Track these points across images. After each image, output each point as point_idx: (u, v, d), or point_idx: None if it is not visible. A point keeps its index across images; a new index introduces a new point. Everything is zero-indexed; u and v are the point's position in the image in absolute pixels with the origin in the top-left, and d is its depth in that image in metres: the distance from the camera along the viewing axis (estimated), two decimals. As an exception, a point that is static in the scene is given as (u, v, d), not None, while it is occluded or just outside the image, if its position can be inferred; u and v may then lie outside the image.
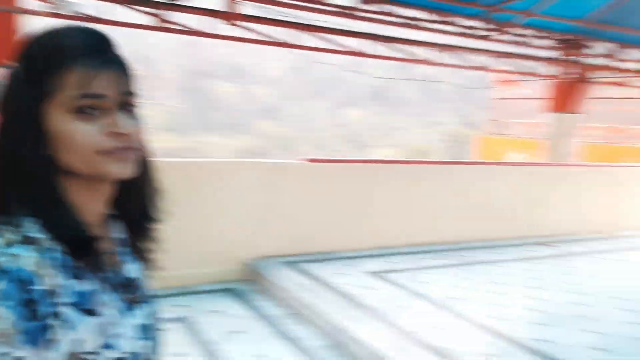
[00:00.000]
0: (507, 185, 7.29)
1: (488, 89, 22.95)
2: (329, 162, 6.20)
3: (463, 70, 9.52)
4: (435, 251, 6.34)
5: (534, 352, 3.65)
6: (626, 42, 9.52)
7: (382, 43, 7.94)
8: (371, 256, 5.91)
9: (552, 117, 9.99)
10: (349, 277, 5.09)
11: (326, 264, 5.53)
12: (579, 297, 4.88)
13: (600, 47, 9.65)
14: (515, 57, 9.19)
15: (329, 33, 7.35)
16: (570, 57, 9.51)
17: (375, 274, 5.26)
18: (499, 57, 9.05)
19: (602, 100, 19.99)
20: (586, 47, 9.55)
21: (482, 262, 5.99)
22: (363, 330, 3.85)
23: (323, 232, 5.96)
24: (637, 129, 20.86)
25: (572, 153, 9.89)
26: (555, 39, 9.24)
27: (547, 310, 4.49)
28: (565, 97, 9.76)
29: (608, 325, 4.19)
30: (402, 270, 5.45)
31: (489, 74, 17.37)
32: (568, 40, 9.22)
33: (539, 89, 12.95)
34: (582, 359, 3.56)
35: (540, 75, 9.82)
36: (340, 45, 7.75)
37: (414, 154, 30.25)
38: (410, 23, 7.96)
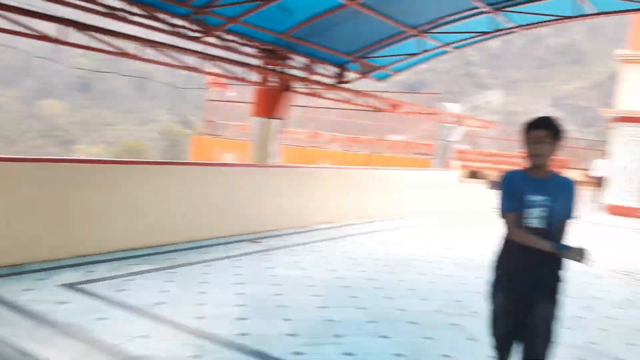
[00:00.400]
0: (219, 186, 7.47)
1: (203, 90, 23.40)
2: (12, 160, 5.34)
3: (176, 69, 9.42)
4: (143, 256, 6.08)
5: (236, 346, 3.77)
6: (318, 58, 10.80)
7: (84, 31, 7.24)
8: (68, 266, 5.32)
9: (257, 121, 10.71)
10: (38, 293, 4.46)
11: (10, 279, 4.76)
12: (278, 288, 5.28)
13: (299, 60, 10.72)
14: (224, 61, 9.51)
15: (12, 12, 6.32)
16: (272, 67, 10.30)
17: (72, 286, 4.74)
18: (208, 59, 9.22)
19: (303, 108, 22.44)
20: (287, 58, 10.49)
21: (192, 263, 5.98)
22: (50, 351, 3.40)
23: (5, 243, 5.11)
24: (330, 135, 24.04)
25: (276, 155, 10.76)
26: (259, 48, 9.89)
27: (250, 304, 4.71)
28: (269, 103, 10.56)
29: (301, 311, 4.62)
30: (103, 279, 5.04)
31: (205, 75, 17.69)
32: (270, 50, 9.97)
33: (248, 94, 13.72)
34: (278, 346, 3.82)
35: (247, 81, 10.39)
36: (31, 29, 6.77)
37: (126, 152, 28.84)
38: (117, 14, 7.47)
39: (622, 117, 14.94)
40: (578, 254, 2.63)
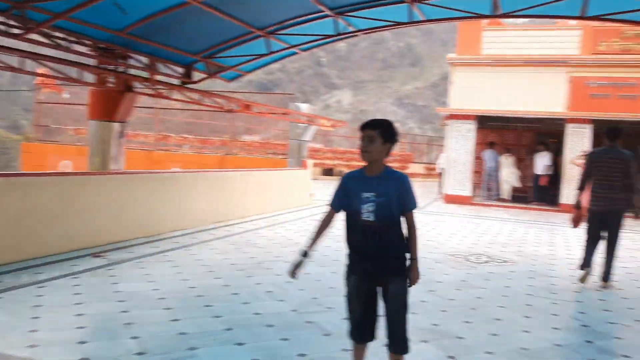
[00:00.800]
0: (54, 197, 6.75)
1: (33, 91, 21.21)
2: None
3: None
4: (-40, 282, 5.28)
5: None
6: (162, 57, 10.30)
7: None
8: None
9: (95, 124, 9.91)
10: None
11: None
12: (124, 304, 4.90)
13: (140, 59, 10.12)
14: (53, 61, 8.62)
15: None
16: (109, 66, 9.60)
17: None
18: (34, 58, 8.30)
19: (150, 109, 21.39)
20: (127, 57, 9.84)
21: (23, 286, 5.33)
22: None
23: None
24: (180, 137, 23.21)
25: (118, 160, 10.05)
26: (94, 47, 9.14)
27: (92, 325, 4.31)
28: (108, 105, 9.81)
29: (150, 327, 4.33)
30: None
31: (36, 76, 15.99)
32: (106, 49, 9.27)
33: (85, 95, 12.70)
34: (123, 369, 3.53)
35: (81, 82, 9.55)
36: None
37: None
38: None
39: (453, 114, 16.48)
40: (291, 270, 3.32)
